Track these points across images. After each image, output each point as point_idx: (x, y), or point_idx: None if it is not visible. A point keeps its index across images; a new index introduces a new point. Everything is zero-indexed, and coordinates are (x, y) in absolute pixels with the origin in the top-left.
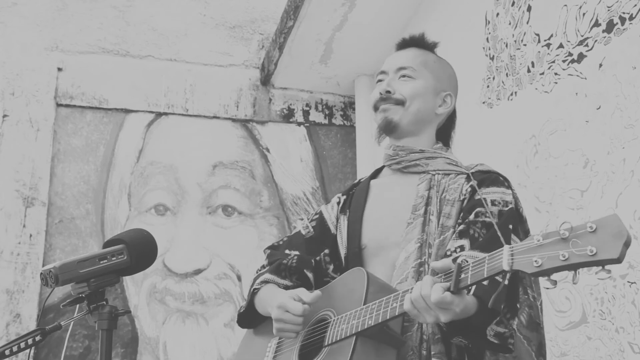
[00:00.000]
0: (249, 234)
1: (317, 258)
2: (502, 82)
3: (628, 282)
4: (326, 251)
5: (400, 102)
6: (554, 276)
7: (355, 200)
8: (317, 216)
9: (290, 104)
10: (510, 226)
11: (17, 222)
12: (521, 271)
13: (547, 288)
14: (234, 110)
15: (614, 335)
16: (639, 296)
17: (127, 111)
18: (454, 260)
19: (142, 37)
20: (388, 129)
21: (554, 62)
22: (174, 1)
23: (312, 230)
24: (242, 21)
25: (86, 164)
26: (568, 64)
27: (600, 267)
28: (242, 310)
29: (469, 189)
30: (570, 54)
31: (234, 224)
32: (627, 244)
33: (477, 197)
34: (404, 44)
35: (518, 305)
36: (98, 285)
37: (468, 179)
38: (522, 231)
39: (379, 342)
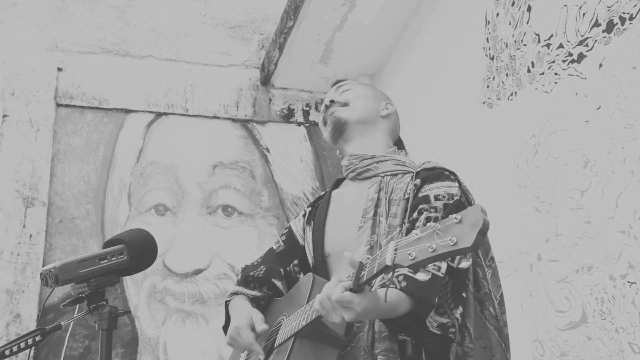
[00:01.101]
0: (249, 234)
1: (287, 269)
2: (502, 82)
3: (628, 282)
4: (295, 262)
5: (345, 104)
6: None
7: (318, 211)
8: (286, 230)
9: (290, 104)
10: None
11: (17, 222)
12: (400, 265)
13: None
14: (234, 110)
15: (614, 335)
16: (639, 296)
17: (127, 111)
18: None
19: (142, 37)
20: (338, 127)
21: (554, 62)
22: (174, 1)
23: (282, 244)
24: (242, 21)
25: (86, 164)
26: (568, 64)
27: (463, 255)
28: (224, 325)
29: (413, 187)
30: (570, 54)
31: (234, 224)
32: (482, 232)
33: (420, 194)
34: (337, 82)
35: (464, 295)
36: (98, 285)
37: (414, 177)
38: None
39: (319, 342)
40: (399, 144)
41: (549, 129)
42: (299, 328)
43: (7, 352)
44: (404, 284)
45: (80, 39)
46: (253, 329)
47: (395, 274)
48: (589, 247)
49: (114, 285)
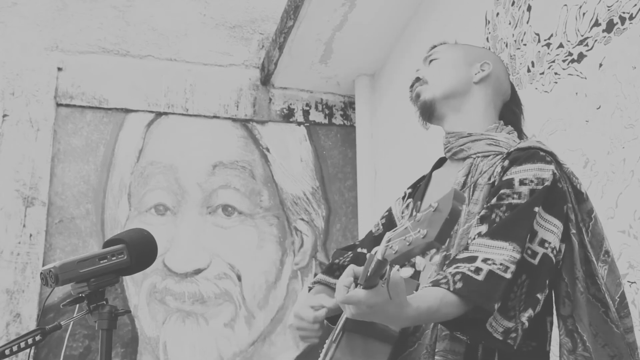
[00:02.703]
0: (249, 234)
1: None
2: None
3: (628, 282)
4: None
5: (425, 82)
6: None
7: (418, 192)
8: (387, 213)
9: (290, 104)
10: (537, 208)
11: (17, 222)
12: (387, 260)
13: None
14: (234, 110)
15: None
16: (639, 296)
17: (127, 111)
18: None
19: (142, 37)
20: (425, 110)
21: (554, 61)
22: (174, 1)
23: (381, 227)
24: (242, 21)
25: (86, 164)
26: (568, 64)
27: (435, 250)
28: None
29: (500, 170)
30: (570, 54)
31: (234, 224)
32: (449, 222)
33: (505, 177)
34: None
35: (539, 296)
36: (98, 285)
37: (504, 158)
38: (576, 211)
39: (368, 336)
40: (510, 107)
41: (549, 129)
42: (343, 321)
43: (7, 352)
44: (459, 285)
45: (80, 39)
46: (313, 308)
47: (453, 271)
48: None
49: (114, 285)
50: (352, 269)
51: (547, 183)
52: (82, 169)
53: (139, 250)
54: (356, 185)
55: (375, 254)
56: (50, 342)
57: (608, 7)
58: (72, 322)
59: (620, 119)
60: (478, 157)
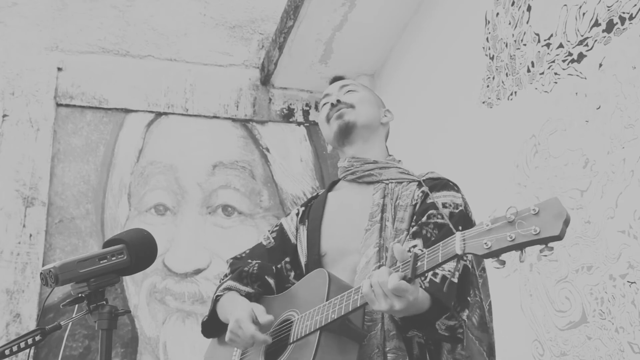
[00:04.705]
0: (249, 234)
1: (279, 266)
2: (502, 82)
3: (628, 282)
4: (287, 259)
5: (351, 106)
6: (504, 257)
7: (313, 211)
8: (277, 228)
9: (290, 104)
10: (460, 227)
11: (17, 222)
12: (473, 254)
13: (497, 267)
14: (234, 110)
15: (613, 335)
16: (639, 296)
17: (127, 111)
18: (409, 251)
19: (142, 37)
20: (347, 130)
21: (553, 61)
22: (174, 1)
23: (272, 241)
24: (242, 21)
25: (86, 164)
26: (568, 64)
27: (544, 245)
28: (205, 320)
29: (421, 194)
30: (570, 54)
31: (234, 224)
32: (566, 222)
33: (429, 200)
34: (337, 79)
35: (469, 299)
36: (98, 285)
37: (419, 185)
38: None
39: (342, 335)
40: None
41: (549, 129)
42: (328, 321)
43: (7, 352)
44: (427, 284)
45: (80, 39)
46: (255, 322)
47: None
48: (589, 247)
49: (114, 285)
50: (387, 268)
51: (461, 207)
52: (82, 169)
53: (138, 250)
54: None
55: (433, 252)
56: (50, 342)
57: (608, 7)
58: (72, 322)
59: (620, 119)
60: (392, 182)
